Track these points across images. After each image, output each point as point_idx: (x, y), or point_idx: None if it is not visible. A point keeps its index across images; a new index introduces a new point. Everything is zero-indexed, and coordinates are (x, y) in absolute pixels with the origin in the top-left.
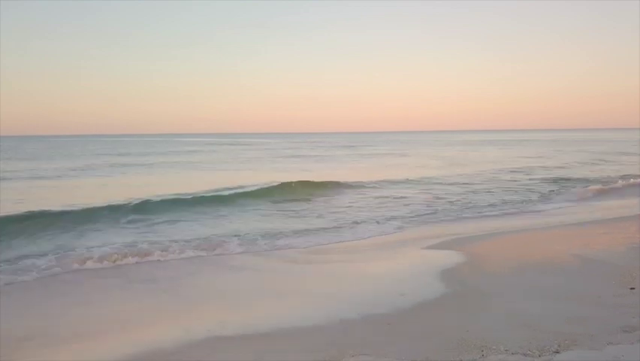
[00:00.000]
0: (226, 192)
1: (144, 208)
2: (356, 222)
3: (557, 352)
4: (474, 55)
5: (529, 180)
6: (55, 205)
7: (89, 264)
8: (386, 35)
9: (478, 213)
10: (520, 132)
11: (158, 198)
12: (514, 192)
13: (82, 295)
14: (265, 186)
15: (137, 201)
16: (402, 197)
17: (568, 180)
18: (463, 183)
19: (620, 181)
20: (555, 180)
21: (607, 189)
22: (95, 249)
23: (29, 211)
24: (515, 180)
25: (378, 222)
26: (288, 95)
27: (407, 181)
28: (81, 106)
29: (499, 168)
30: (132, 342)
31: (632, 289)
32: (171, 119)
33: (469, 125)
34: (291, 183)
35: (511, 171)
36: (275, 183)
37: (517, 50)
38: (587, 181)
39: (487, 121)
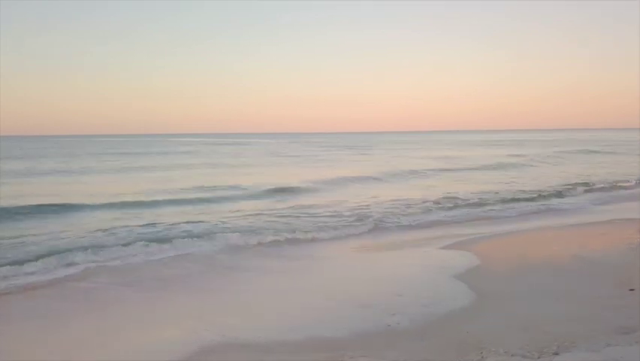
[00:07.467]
0: None
1: None
2: None
3: (556, 353)
4: (476, 54)
5: None
6: None
7: None
8: (386, 35)
9: None
10: (523, 133)
11: None
12: None
13: None
14: None
15: None
16: None
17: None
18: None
19: None
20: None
21: None
22: None
23: None
24: None
25: None
26: (288, 95)
27: None
28: (81, 106)
29: None
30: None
31: (631, 290)
32: (171, 120)
33: (475, 125)
34: None
35: None
36: None
37: (523, 49)
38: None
39: (489, 120)
